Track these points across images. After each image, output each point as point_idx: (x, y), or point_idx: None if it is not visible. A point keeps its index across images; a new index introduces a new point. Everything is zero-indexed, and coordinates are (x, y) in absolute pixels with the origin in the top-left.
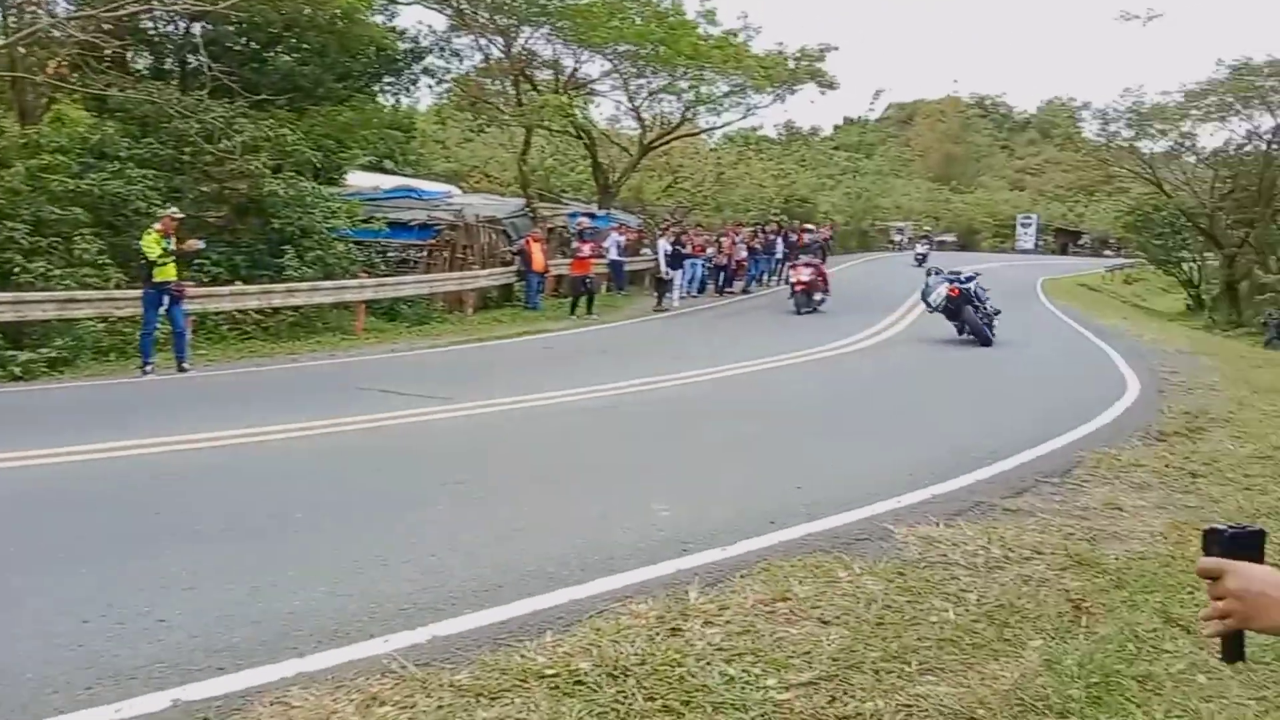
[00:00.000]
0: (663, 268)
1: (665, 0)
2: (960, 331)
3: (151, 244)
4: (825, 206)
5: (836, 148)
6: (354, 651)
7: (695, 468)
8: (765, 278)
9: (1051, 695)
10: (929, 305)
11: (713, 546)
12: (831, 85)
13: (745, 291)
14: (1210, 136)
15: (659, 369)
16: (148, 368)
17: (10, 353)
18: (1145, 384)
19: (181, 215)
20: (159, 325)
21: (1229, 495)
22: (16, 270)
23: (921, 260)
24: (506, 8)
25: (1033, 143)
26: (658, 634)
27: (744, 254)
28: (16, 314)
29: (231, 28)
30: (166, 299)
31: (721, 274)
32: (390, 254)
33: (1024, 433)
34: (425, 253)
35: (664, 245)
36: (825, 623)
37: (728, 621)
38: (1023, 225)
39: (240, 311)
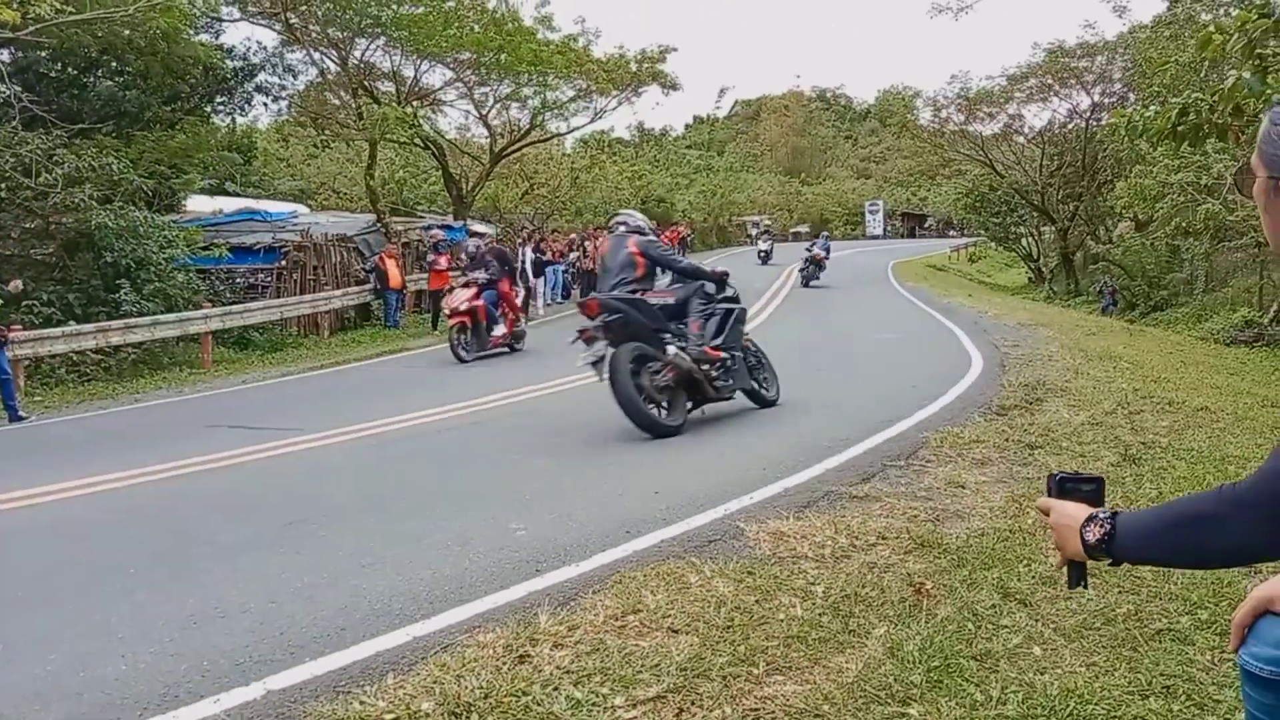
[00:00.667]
0: (530, 278)
1: (501, 7)
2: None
3: None
4: (682, 205)
5: (689, 146)
6: (182, 716)
7: (557, 481)
8: None
9: (894, 683)
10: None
11: (567, 563)
12: (674, 86)
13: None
14: (1035, 117)
15: (523, 381)
16: None
17: None
18: (988, 359)
19: None
20: None
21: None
22: None
23: (765, 257)
24: (339, 20)
25: (874, 132)
26: (504, 663)
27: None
28: None
29: (44, 54)
30: None
31: (588, 278)
32: (237, 280)
33: (873, 418)
34: (274, 276)
35: (528, 253)
36: (675, 632)
37: (577, 642)
38: (870, 212)
39: (77, 353)
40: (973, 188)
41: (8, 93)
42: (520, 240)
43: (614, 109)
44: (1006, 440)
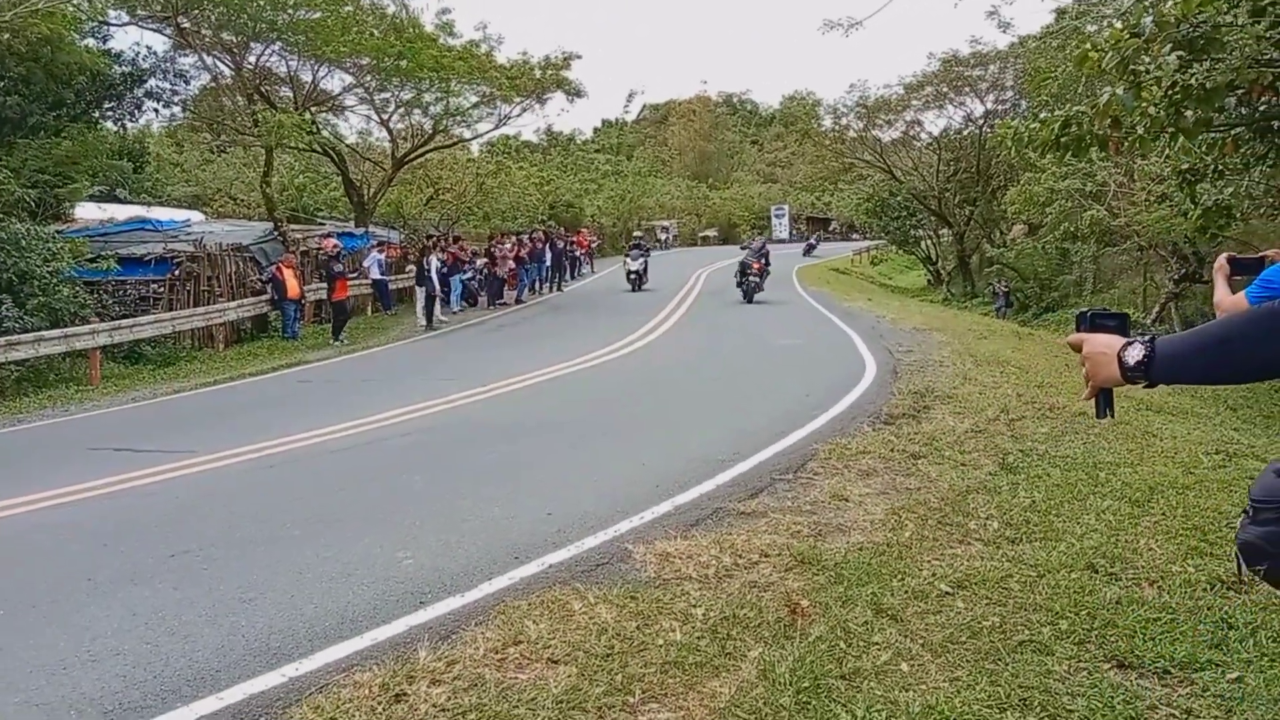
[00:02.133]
0: (436, 287)
1: (401, 12)
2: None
3: None
4: (591, 210)
5: (598, 150)
6: None
7: (448, 504)
8: (538, 286)
9: (764, 707)
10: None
11: (452, 594)
12: (578, 93)
13: (519, 301)
14: (932, 124)
15: (423, 395)
16: None
17: None
18: (881, 365)
19: None
20: None
21: (944, 473)
22: None
23: (637, 281)
24: (232, 24)
25: (779, 137)
26: (379, 704)
27: (512, 264)
28: None
29: None
30: None
31: (495, 285)
32: (128, 293)
33: (766, 430)
34: (166, 288)
35: (435, 261)
36: (555, 663)
37: (455, 678)
38: (776, 216)
39: None
40: (873, 193)
41: None
42: (428, 247)
43: (518, 115)
44: (892, 450)
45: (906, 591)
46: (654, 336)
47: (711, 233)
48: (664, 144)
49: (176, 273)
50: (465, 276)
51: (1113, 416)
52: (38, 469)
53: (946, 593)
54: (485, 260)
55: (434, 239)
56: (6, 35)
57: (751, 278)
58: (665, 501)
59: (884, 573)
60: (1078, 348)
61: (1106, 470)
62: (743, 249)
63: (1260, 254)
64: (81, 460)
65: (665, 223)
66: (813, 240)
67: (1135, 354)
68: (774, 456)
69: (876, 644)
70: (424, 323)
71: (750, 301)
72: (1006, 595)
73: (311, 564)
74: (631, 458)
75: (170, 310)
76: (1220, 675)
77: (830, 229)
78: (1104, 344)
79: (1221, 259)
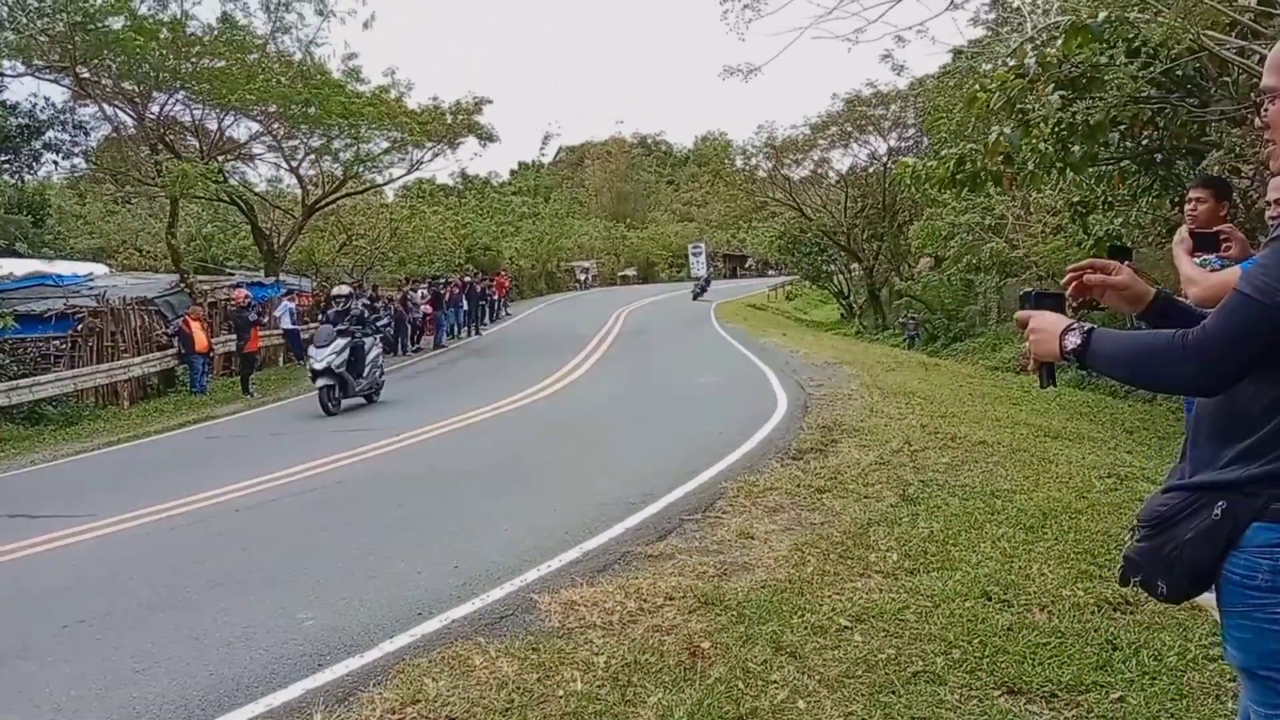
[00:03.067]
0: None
1: (307, 60)
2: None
3: None
4: (509, 252)
5: (515, 193)
6: None
7: (353, 560)
8: (457, 330)
9: None
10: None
11: (351, 654)
12: (490, 137)
13: (438, 346)
14: (839, 162)
15: (333, 447)
16: None
17: None
18: (793, 400)
19: None
20: None
21: (848, 507)
22: None
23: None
24: (134, 74)
25: (694, 177)
26: None
27: (428, 309)
28: None
29: None
30: None
31: (410, 330)
32: (27, 351)
33: (678, 470)
34: (68, 345)
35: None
36: None
37: None
38: (694, 254)
39: None
40: (785, 230)
41: None
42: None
43: (431, 160)
44: (798, 486)
45: (806, 628)
46: (573, 378)
47: (631, 272)
48: (581, 185)
49: (79, 328)
50: (381, 323)
51: (1054, 386)
52: None
53: (845, 627)
54: (398, 306)
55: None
56: None
57: (699, 290)
58: (573, 548)
59: (785, 610)
60: (1024, 324)
61: (1003, 498)
62: (694, 281)
63: (1216, 229)
64: None
65: (584, 263)
66: (704, 279)
67: (1073, 340)
68: (684, 496)
69: (774, 682)
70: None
71: (696, 301)
72: (903, 626)
73: (210, 629)
74: (543, 505)
75: (72, 368)
76: (1104, 696)
77: (746, 265)
78: (1050, 322)
79: (1183, 232)
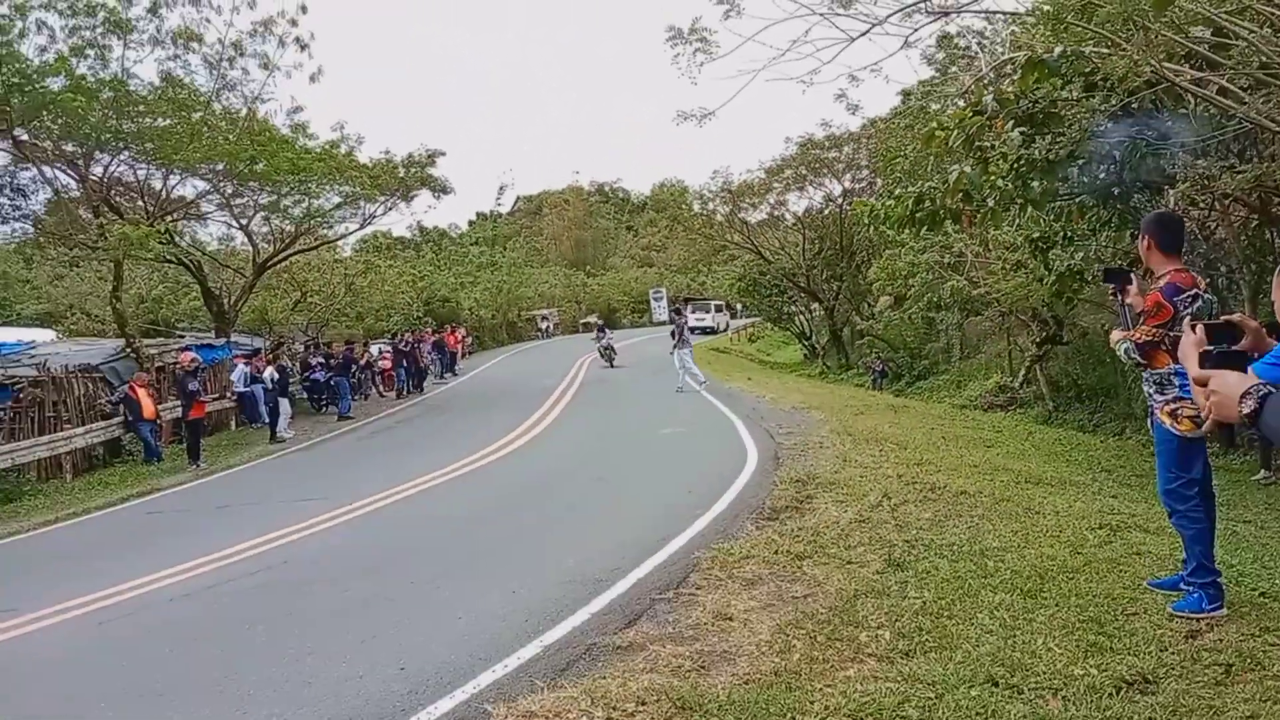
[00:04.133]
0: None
1: (251, 118)
2: None
3: None
4: (469, 303)
5: (474, 243)
6: None
7: (291, 662)
8: (412, 385)
9: None
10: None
11: None
12: (444, 190)
13: (400, 397)
14: (796, 204)
15: (280, 521)
16: None
17: None
18: (763, 451)
19: None
20: None
21: (831, 575)
22: None
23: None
24: (76, 135)
25: (652, 222)
26: None
27: (387, 365)
28: None
29: None
30: None
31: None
32: None
33: (647, 538)
34: (10, 416)
35: (270, 372)
36: None
37: None
38: (655, 299)
39: None
40: (744, 272)
41: None
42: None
43: (384, 214)
44: (776, 552)
45: None
46: (535, 433)
47: (593, 318)
48: (539, 234)
49: (20, 399)
50: (319, 377)
51: (1235, 446)
52: None
53: None
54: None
55: (270, 350)
56: None
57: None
58: (533, 642)
59: (773, 712)
60: (1203, 383)
61: (994, 557)
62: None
63: (1226, 318)
64: None
65: (545, 311)
66: (602, 334)
67: (1249, 405)
68: (654, 571)
69: None
70: (287, 435)
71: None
72: None
73: None
74: (501, 586)
75: (11, 441)
76: None
77: (715, 308)
78: (1231, 385)
79: (1199, 333)
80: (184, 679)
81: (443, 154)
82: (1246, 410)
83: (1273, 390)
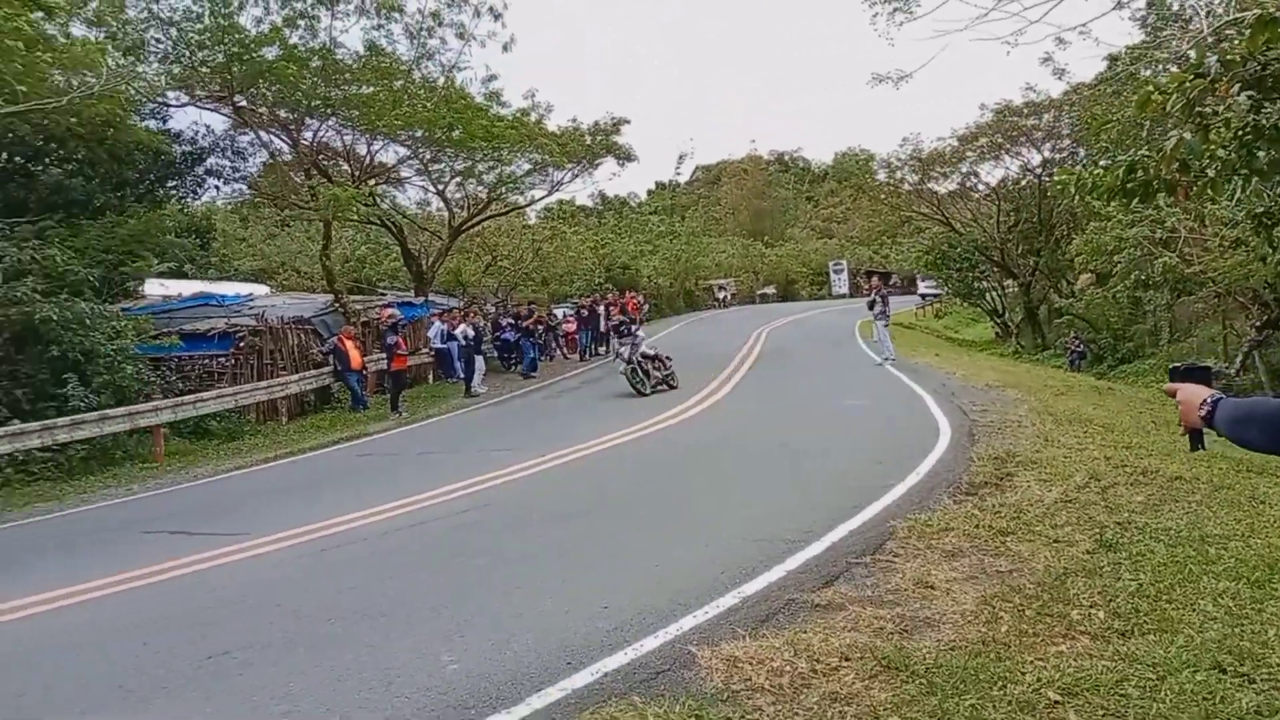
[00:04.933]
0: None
1: (449, 85)
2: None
3: None
4: (648, 271)
5: (653, 212)
6: None
7: (499, 595)
8: (594, 348)
9: None
10: None
11: (497, 708)
12: (628, 157)
13: (583, 359)
14: (989, 174)
15: (479, 468)
16: None
17: None
18: (956, 428)
19: None
20: None
21: (1037, 552)
22: None
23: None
24: (287, 102)
25: (833, 193)
26: None
27: (572, 327)
28: None
29: None
30: None
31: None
32: (193, 367)
33: (837, 504)
34: (232, 363)
35: (464, 329)
36: None
37: None
38: (835, 271)
39: (22, 452)
40: (932, 245)
41: None
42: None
43: (570, 181)
44: (977, 526)
45: (1010, 702)
46: (714, 400)
47: (770, 290)
48: (717, 203)
49: (241, 347)
50: (509, 338)
51: (1204, 449)
52: (96, 554)
53: (1056, 702)
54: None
55: (462, 309)
56: (72, 119)
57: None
58: (730, 593)
59: (982, 679)
60: (1173, 394)
61: (1216, 544)
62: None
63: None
64: (135, 544)
65: (722, 281)
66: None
67: (1204, 411)
68: (848, 536)
69: None
70: (480, 391)
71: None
72: (1125, 704)
73: (352, 669)
74: (693, 539)
75: (234, 385)
76: None
77: (891, 282)
78: (1190, 394)
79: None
80: (404, 604)
81: (627, 122)
82: (1203, 414)
83: (1223, 397)
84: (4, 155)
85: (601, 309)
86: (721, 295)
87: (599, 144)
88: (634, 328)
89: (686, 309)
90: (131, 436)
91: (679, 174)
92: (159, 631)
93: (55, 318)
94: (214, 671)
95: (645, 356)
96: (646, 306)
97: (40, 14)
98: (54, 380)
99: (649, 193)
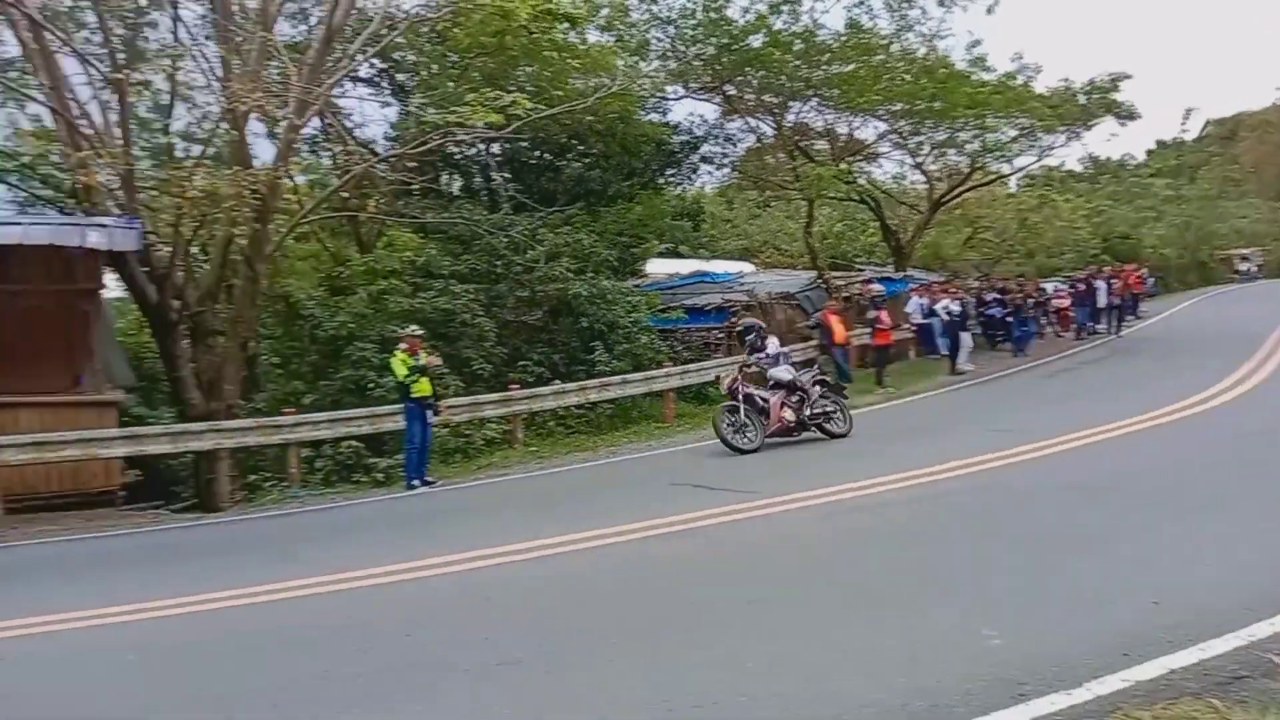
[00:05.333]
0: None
1: (930, 54)
2: None
3: (398, 364)
4: (1151, 241)
5: (1154, 175)
6: None
7: (1028, 577)
8: (1090, 329)
9: None
10: None
11: (1055, 689)
12: (1130, 115)
13: (1079, 339)
14: None
15: (974, 448)
16: (416, 483)
17: (372, 460)
18: None
19: (422, 333)
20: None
21: None
22: (371, 386)
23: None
24: (772, 87)
25: None
26: None
27: (1065, 303)
28: (373, 426)
29: (525, 143)
30: (430, 414)
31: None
32: (695, 339)
33: None
34: (726, 335)
35: (946, 304)
36: None
37: None
38: None
39: (563, 408)
40: None
41: (499, 181)
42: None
43: (1062, 145)
44: None
45: None
46: (1246, 386)
47: None
48: (1234, 161)
49: (734, 320)
50: (995, 314)
51: None
52: (629, 501)
53: None
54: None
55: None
56: (589, 118)
57: None
58: None
59: None
60: None
61: None
62: None
63: None
64: (665, 495)
65: (1245, 251)
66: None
67: None
68: None
69: None
70: (968, 368)
71: None
72: None
73: (888, 628)
74: (1248, 540)
75: (729, 356)
76: None
77: None
78: None
79: None
80: (924, 575)
81: (1128, 77)
82: None
83: None
84: (538, 153)
85: (1101, 284)
86: (1244, 267)
87: (1095, 103)
88: (764, 338)
89: (1200, 283)
90: (645, 399)
91: (1184, 130)
92: (699, 575)
93: (584, 293)
94: (759, 614)
95: (779, 384)
96: (1150, 281)
97: (565, 24)
98: (583, 347)
99: (1148, 153)
